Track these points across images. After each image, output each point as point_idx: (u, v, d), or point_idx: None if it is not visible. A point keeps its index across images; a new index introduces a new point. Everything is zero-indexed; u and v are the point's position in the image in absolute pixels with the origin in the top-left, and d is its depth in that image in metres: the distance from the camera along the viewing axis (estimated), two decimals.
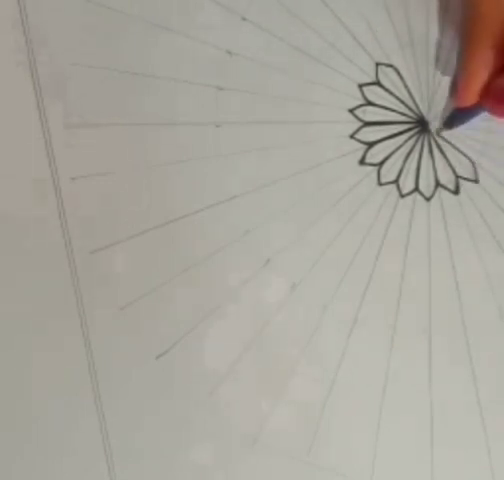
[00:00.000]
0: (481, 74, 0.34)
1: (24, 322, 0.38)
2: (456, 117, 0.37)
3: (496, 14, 0.34)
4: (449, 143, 0.38)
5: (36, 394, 0.38)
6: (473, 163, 0.38)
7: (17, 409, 0.39)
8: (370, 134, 0.38)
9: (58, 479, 0.39)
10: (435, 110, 0.38)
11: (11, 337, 0.38)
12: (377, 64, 0.37)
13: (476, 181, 0.38)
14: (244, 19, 0.37)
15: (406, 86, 0.37)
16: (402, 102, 0.38)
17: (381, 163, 0.38)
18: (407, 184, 0.38)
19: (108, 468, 0.38)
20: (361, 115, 0.38)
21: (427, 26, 0.38)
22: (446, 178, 0.38)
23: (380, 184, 0.38)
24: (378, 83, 0.37)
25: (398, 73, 0.37)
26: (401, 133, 0.38)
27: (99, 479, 0.39)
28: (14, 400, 0.39)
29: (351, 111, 0.38)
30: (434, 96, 0.38)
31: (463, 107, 0.36)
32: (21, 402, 0.39)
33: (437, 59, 0.37)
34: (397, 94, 0.38)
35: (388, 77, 0.37)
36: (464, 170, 0.38)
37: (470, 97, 0.35)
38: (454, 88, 0.36)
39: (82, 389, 0.38)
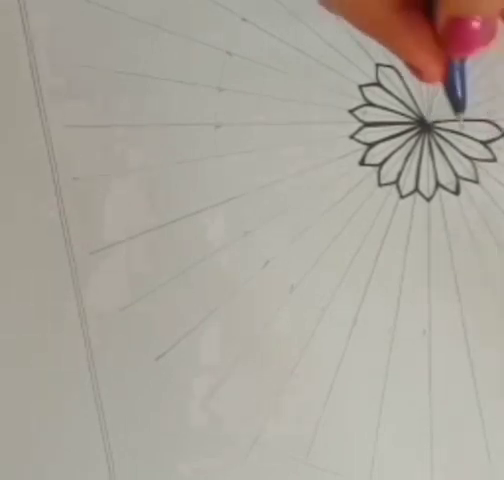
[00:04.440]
0: (416, 40, 0.31)
1: (24, 322, 0.38)
2: (451, 93, 0.34)
3: None
4: (449, 143, 0.38)
5: (36, 394, 0.39)
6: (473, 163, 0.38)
7: (17, 409, 0.39)
8: (370, 135, 0.38)
9: (58, 479, 0.39)
10: (435, 110, 0.38)
11: (11, 337, 0.39)
12: (377, 65, 0.37)
13: (476, 181, 0.38)
14: (244, 20, 0.37)
15: (406, 87, 0.37)
16: (402, 103, 0.38)
17: (381, 164, 0.38)
18: (407, 185, 0.38)
19: (108, 468, 0.39)
20: (361, 116, 0.38)
21: None
22: (446, 178, 0.38)
23: (380, 185, 0.38)
24: (378, 84, 0.37)
25: (398, 74, 0.37)
26: (401, 134, 0.38)
27: (99, 479, 0.39)
28: (14, 400, 0.39)
29: (351, 112, 0.38)
30: (434, 96, 0.38)
31: (445, 81, 0.33)
32: (21, 402, 0.39)
33: None
34: (397, 95, 0.37)
35: (388, 78, 0.37)
36: (464, 170, 0.38)
37: (432, 67, 0.32)
38: (418, 75, 0.33)
39: (82, 389, 0.38)
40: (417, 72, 0.31)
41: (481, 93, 0.36)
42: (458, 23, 0.28)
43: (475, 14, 0.28)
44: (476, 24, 0.28)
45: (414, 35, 0.29)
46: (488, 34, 0.29)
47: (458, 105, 0.32)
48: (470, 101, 0.32)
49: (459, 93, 0.32)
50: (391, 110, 0.38)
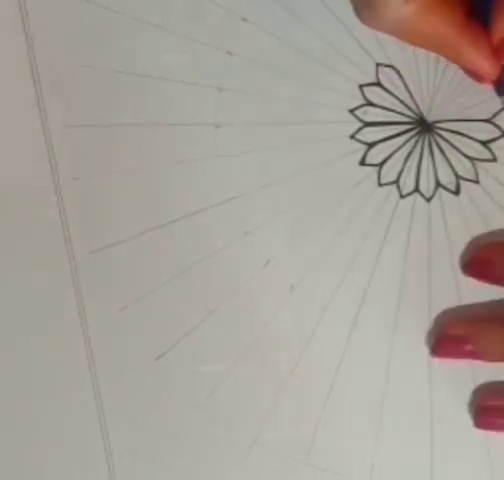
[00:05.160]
0: (478, 53, 0.33)
1: (24, 322, 0.38)
2: (500, 85, 0.36)
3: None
4: (450, 143, 0.38)
5: (36, 394, 0.39)
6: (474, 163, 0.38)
7: (17, 409, 0.39)
8: (370, 134, 0.38)
9: (58, 479, 0.39)
10: (435, 110, 0.38)
11: (11, 337, 0.39)
12: (377, 64, 0.37)
13: (477, 181, 0.38)
14: (244, 20, 0.37)
15: (406, 86, 0.37)
16: (402, 102, 0.38)
17: (381, 164, 0.38)
18: (407, 185, 0.38)
19: (108, 468, 0.39)
20: (362, 116, 0.38)
21: None
22: (446, 178, 0.38)
23: (380, 185, 0.38)
24: (378, 83, 0.37)
25: (398, 73, 0.37)
26: (401, 133, 0.38)
27: (99, 479, 0.39)
28: (14, 400, 0.39)
29: (351, 111, 0.38)
30: (435, 96, 0.38)
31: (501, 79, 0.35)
32: (21, 402, 0.39)
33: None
34: (397, 95, 0.37)
35: (388, 77, 0.37)
36: (464, 170, 0.38)
37: (492, 71, 0.34)
38: (478, 79, 0.35)
39: (82, 389, 0.38)
40: (478, 77, 0.34)
41: (481, 93, 0.36)
42: None
43: None
44: None
45: (477, 49, 0.33)
46: None
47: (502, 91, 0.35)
48: None
49: None
50: (391, 110, 0.38)
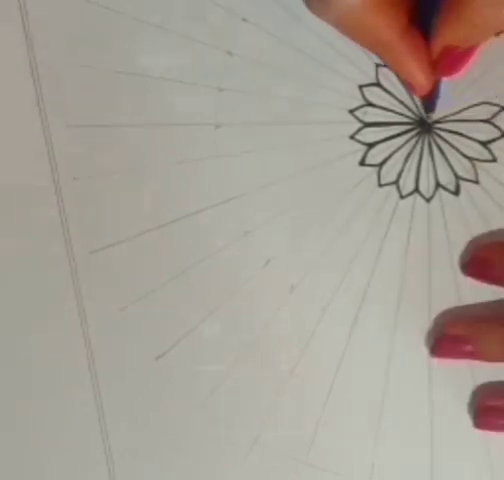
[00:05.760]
0: (415, 62, 0.33)
1: (24, 322, 0.38)
2: (430, 100, 0.36)
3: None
4: (449, 143, 0.38)
5: (36, 394, 0.39)
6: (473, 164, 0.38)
7: (17, 409, 0.39)
8: (370, 135, 0.38)
9: (58, 479, 0.39)
10: (435, 111, 0.38)
11: (11, 337, 0.39)
12: (377, 65, 0.37)
13: (476, 182, 0.38)
14: (244, 20, 0.37)
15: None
16: (402, 103, 0.38)
17: (381, 164, 0.38)
18: (407, 185, 0.38)
19: (108, 468, 0.39)
20: (361, 116, 0.38)
21: None
22: (446, 179, 0.38)
23: (380, 185, 0.38)
24: (378, 84, 0.37)
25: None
26: (401, 134, 0.38)
27: (99, 479, 0.39)
28: (14, 400, 0.39)
29: (351, 112, 0.38)
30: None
31: (432, 94, 0.35)
32: (21, 402, 0.39)
33: None
34: (397, 95, 0.37)
35: (388, 78, 0.37)
36: (464, 171, 0.38)
37: (425, 84, 0.34)
38: (410, 89, 0.36)
39: (82, 389, 0.38)
40: (411, 87, 0.35)
41: (481, 93, 0.37)
42: (452, 52, 0.32)
43: (469, 44, 0.32)
44: (467, 52, 0.32)
45: (415, 58, 0.34)
46: (473, 56, 0.33)
47: (432, 108, 0.37)
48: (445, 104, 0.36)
49: (436, 101, 0.36)
50: (391, 110, 0.38)
